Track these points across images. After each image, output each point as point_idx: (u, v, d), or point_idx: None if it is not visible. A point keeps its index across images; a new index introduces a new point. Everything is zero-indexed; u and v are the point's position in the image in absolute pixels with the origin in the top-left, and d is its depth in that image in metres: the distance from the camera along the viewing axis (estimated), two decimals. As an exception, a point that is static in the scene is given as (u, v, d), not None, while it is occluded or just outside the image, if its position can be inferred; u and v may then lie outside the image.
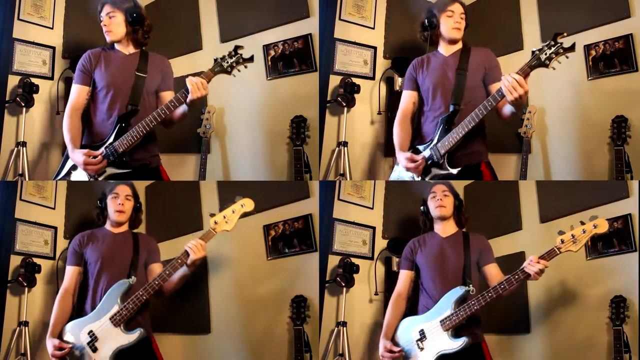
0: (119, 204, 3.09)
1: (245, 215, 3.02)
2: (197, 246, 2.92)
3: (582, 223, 2.81)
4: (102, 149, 3.00)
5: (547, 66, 2.75)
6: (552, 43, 2.75)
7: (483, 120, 2.97)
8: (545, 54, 2.76)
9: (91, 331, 2.92)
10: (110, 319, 2.91)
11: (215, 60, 2.96)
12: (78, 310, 3.01)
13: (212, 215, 3.01)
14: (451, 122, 3.02)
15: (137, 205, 3.18)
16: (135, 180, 3.18)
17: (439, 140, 3.02)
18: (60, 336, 2.94)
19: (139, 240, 3.12)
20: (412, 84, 3.20)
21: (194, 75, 2.93)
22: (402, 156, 3.11)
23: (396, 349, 2.97)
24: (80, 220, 3.58)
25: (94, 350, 2.90)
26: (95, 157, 2.98)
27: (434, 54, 3.18)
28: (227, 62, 2.96)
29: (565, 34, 2.74)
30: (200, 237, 2.97)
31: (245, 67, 2.99)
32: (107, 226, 3.14)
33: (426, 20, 3.15)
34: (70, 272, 3.06)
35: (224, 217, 3.00)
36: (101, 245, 3.07)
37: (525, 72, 2.77)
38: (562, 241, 2.82)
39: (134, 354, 2.92)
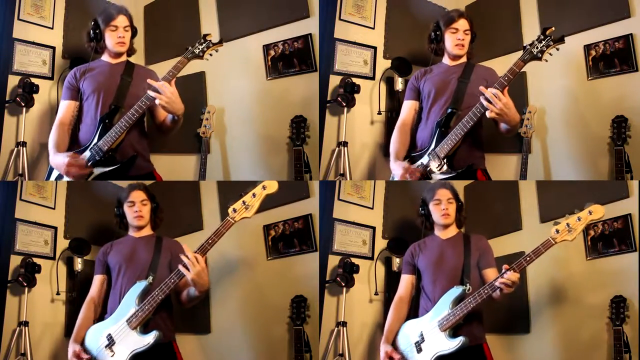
0: (135, 211, 3.12)
1: (268, 196, 2.85)
2: (191, 260, 2.83)
3: (576, 212, 2.79)
4: (87, 152, 3.03)
5: (540, 59, 2.86)
6: (542, 37, 2.84)
7: (481, 122, 2.99)
8: (537, 47, 2.85)
9: (109, 334, 2.90)
10: (127, 321, 2.89)
11: (187, 48, 3.04)
12: (101, 315, 3.03)
13: (231, 203, 2.85)
14: (447, 125, 3.02)
15: (154, 206, 3.18)
16: (134, 181, 3.18)
17: (437, 145, 3.02)
18: (82, 342, 2.96)
19: (162, 243, 3.12)
20: (414, 94, 3.21)
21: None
22: (397, 165, 3.11)
23: (397, 356, 2.96)
24: (80, 220, 3.58)
25: (112, 353, 2.88)
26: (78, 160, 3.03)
27: (437, 65, 3.21)
28: (198, 49, 3.03)
29: (553, 28, 2.84)
30: (219, 227, 2.85)
31: (217, 50, 3.06)
32: (130, 232, 3.17)
33: (432, 34, 3.17)
34: (95, 281, 3.11)
35: (244, 202, 2.84)
36: (122, 250, 3.10)
37: (502, 86, 2.86)
38: (557, 231, 2.78)
39: (153, 357, 2.88)
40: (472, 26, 3.13)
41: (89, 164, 3.03)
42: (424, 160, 3.05)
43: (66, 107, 3.13)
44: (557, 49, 2.86)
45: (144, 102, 2.98)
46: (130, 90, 3.10)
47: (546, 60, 2.86)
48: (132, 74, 3.15)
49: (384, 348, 3.01)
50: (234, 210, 2.85)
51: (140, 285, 2.93)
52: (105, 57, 3.18)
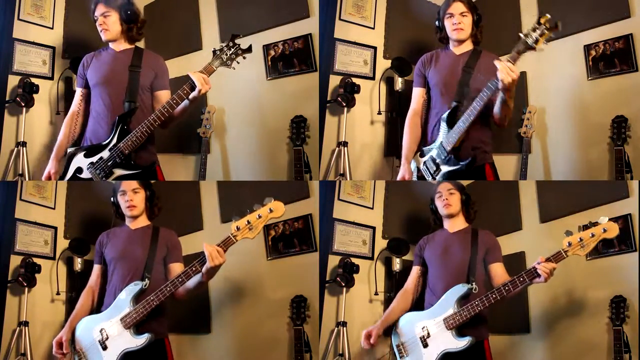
0: (127, 200, 3.06)
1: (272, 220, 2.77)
2: (213, 252, 2.75)
3: (590, 225, 2.74)
4: (106, 151, 3.00)
5: (534, 49, 2.73)
6: (536, 26, 2.73)
7: (486, 115, 2.98)
8: (532, 37, 2.72)
9: (103, 329, 2.91)
10: (120, 320, 2.89)
11: (214, 53, 2.97)
12: (98, 307, 3.03)
13: (235, 219, 2.77)
14: (453, 118, 3.00)
15: (149, 194, 3.12)
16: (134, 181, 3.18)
17: (443, 139, 3.02)
18: (74, 330, 2.97)
19: (158, 236, 3.06)
20: (422, 81, 3.19)
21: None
22: (401, 169, 3.14)
23: (374, 339, 2.97)
24: (80, 220, 3.58)
25: (104, 348, 2.89)
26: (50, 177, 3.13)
27: (444, 51, 3.17)
28: (226, 55, 2.96)
29: (549, 16, 2.74)
30: (219, 244, 2.77)
31: (244, 57, 2.99)
32: (126, 222, 3.13)
33: (436, 22, 3.17)
34: (94, 271, 3.11)
35: (248, 222, 2.76)
36: (118, 242, 3.07)
37: (514, 59, 2.77)
38: (570, 244, 2.73)
39: (144, 356, 2.88)
40: (474, 8, 3.06)
41: (109, 163, 3.01)
42: (433, 153, 3.05)
43: (78, 97, 3.15)
44: (552, 36, 2.73)
45: (166, 109, 2.94)
46: (141, 82, 3.06)
47: (542, 49, 2.74)
48: (141, 63, 3.09)
49: (373, 328, 3.01)
50: (237, 229, 2.77)
51: (135, 288, 2.91)
52: (111, 44, 3.14)
